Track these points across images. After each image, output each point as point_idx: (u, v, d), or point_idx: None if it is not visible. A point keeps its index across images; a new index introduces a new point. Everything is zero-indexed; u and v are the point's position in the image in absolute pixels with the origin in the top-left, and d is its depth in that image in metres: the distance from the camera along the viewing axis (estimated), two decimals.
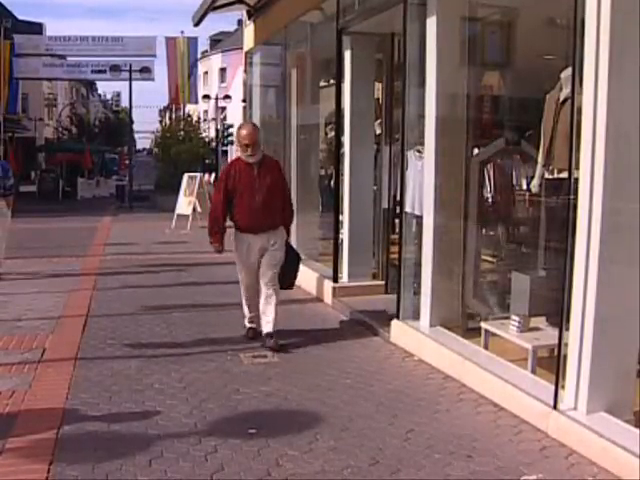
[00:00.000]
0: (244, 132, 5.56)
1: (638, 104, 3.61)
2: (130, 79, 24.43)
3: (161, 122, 54.55)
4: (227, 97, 34.07)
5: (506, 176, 5.83)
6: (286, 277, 5.77)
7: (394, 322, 5.89)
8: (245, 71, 14.41)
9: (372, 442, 3.81)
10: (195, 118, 36.92)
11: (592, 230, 3.74)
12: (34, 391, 4.56)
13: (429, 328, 5.56)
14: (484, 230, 6.23)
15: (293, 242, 6.76)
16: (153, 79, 26.48)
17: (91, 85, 57.44)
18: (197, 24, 11.65)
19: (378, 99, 8.11)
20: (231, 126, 38.60)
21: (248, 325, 5.97)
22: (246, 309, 5.97)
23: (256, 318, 5.85)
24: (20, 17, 37.16)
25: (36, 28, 35.83)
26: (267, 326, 5.63)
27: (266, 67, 11.76)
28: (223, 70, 50.93)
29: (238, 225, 5.69)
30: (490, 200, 5.87)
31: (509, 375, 4.49)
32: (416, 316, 5.75)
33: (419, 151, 5.95)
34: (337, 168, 7.86)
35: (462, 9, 5.66)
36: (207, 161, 33.74)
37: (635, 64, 3.61)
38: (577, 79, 3.87)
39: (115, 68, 25.45)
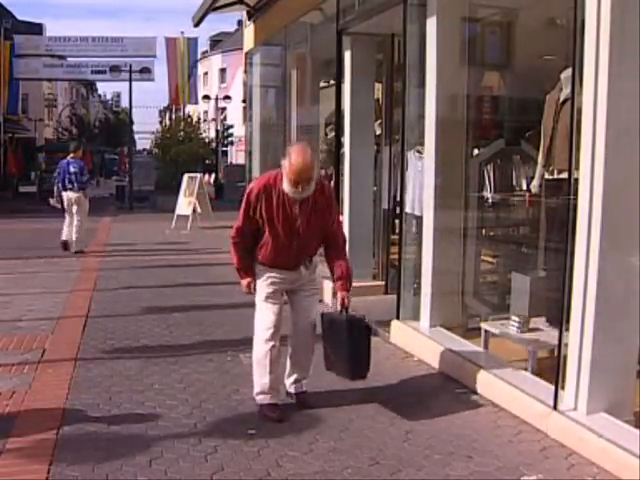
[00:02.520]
0: (299, 164, 3.91)
1: (638, 104, 3.61)
2: (130, 79, 24.40)
3: (161, 122, 54.62)
4: (227, 97, 34.08)
5: (506, 176, 5.83)
6: (358, 362, 4.14)
7: (394, 322, 5.89)
8: (245, 71, 14.43)
9: (372, 443, 3.81)
10: (195, 118, 36.95)
11: (592, 230, 3.74)
12: (34, 391, 4.56)
13: (429, 328, 5.56)
14: (484, 230, 6.24)
15: None
16: (153, 79, 26.47)
17: (91, 85, 57.44)
18: (197, 24, 11.68)
19: (378, 99, 8.12)
20: (231, 126, 38.64)
21: (268, 401, 4.18)
22: (264, 373, 4.17)
23: (277, 382, 4.26)
24: (20, 17, 37.21)
25: (36, 28, 35.78)
26: (299, 385, 4.38)
27: (266, 68, 11.79)
28: (223, 70, 50.93)
29: (261, 260, 4.24)
30: (490, 200, 5.88)
31: (509, 375, 4.49)
32: (416, 316, 5.75)
33: (419, 151, 5.96)
34: (337, 168, 7.87)
35: (462, 10, 5.66)
36: (207, 161, 33.74)
37: (635, 64, 3.61)
38: (577, 79, 3.87)
39: (115, 68, 25.45)
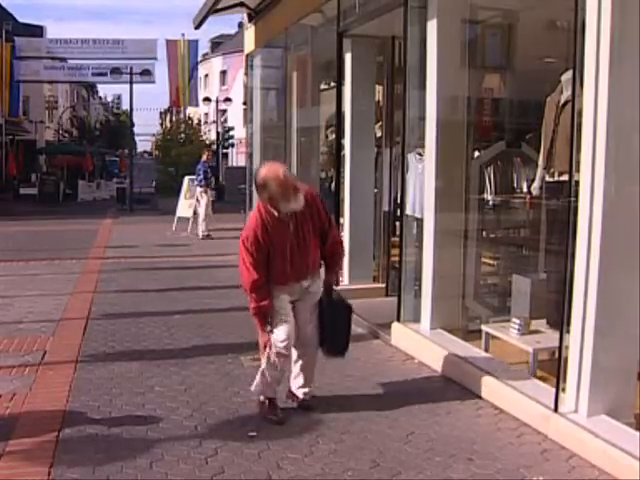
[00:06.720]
0: (277, 178, 3.94)
1: (638, 106, 3.61)
2: (131, 82, 24.42)
3: (162, 125, 54.66)
4: (228, 100, 34.10)
5: (506, 179, 5.83)
6: (335, 338, 4.31)
7: (395, 325, 5.89)
8: (246, 74, 14.45)
9: (373, 445, 3.81)
10: (196, 121, 36.97)
11: (593, 232, 3.74)
12: (35, 394, 4.56)
13: (430, 331, 5.56)
14: (484, 233, 6.24)
15: None
16: (154, 82, 26.49)
17: (92, 88, 57.47)
18: (198, 27, 11.68)
19: (379, 102, 8.13)
20: (232, 128, 38.67)
21: (265, 398, 4.27)
22: (274, 382, 4.21)
23: (282, 392, 4.36)
24: (21, 20, 37.22)
25: (37, 31, 35.85)
26: (302, 389, 4.41)
27: (267, 70, 11.82)
28: (224, 73, 50.98)
29: (272, 281, 4.22)
30: (490, 203, 5.88)
31: (510, 378, 4.49)
32: (417, 319, 5.75)
33: (420, 154, 5.96)
34: (338, 171, 7.87)
35: (463, 12, 5.67)
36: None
37: (635, 66, 3.62)
38: (578, 81, 3.88)
39: (116, 71, 25.48)
